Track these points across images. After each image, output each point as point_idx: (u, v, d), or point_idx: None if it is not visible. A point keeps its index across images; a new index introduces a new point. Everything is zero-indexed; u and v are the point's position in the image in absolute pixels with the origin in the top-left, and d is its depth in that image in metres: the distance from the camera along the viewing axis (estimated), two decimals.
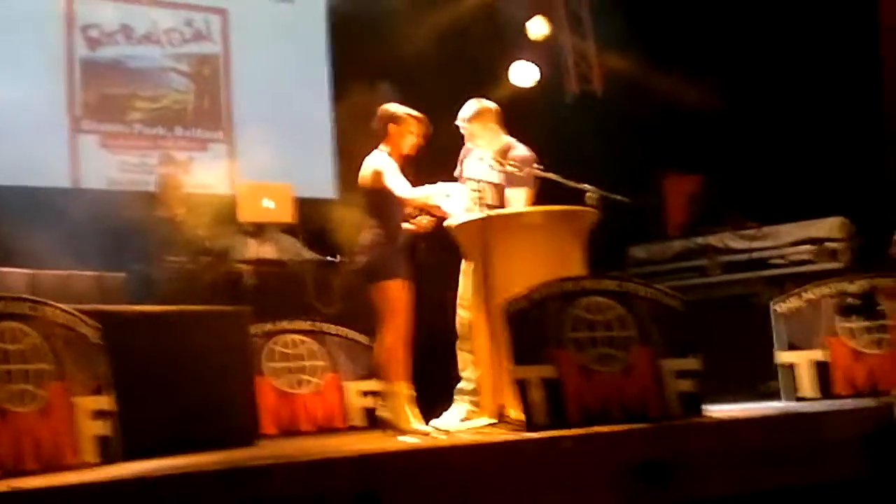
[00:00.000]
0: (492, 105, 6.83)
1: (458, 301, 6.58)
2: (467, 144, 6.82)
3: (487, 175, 6.61)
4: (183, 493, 3.95)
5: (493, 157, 6.63)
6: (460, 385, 6.58)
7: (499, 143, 6.75)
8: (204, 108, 10.20)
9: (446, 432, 5.83)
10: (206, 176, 9.87)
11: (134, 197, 9.10)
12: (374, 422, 7.06)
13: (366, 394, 7.11)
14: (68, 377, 4.74)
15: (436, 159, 6.92)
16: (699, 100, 10.74)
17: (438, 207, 6.52)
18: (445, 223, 6.57)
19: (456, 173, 6.90)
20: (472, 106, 6.81)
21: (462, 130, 6.81)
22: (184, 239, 8.45)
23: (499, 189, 6.68)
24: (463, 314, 6.53)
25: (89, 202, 8.80)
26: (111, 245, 7.79)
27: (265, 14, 10.69)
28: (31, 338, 4.65)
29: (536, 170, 6.54)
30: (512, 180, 6.68)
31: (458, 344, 6.58)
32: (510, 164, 6.59)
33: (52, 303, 4.85)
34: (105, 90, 9.79)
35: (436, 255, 6.81)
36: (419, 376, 6.40)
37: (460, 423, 6.29)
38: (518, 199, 6.66)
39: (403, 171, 6.48)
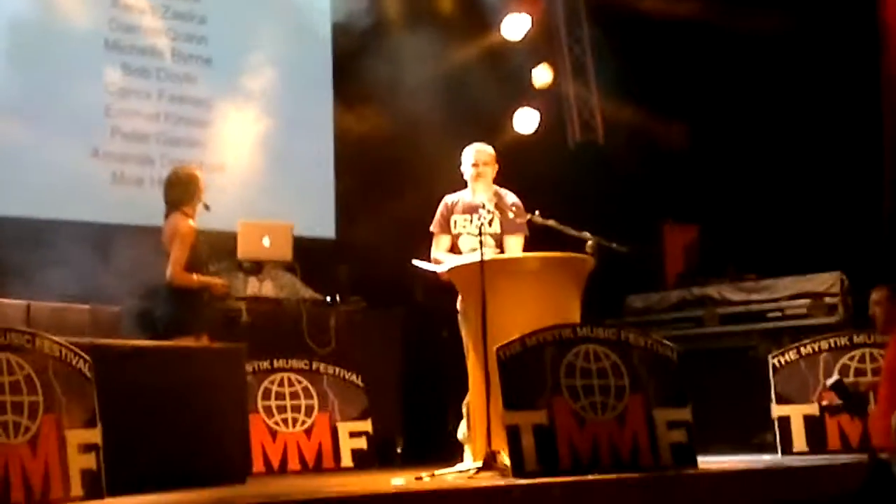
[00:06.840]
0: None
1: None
2: (473, 185, 6.73)
3: (487, 225, 6.59)
4: None
5: (492, 202, 6.64)
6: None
7: (492, 189, 6.75)
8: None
9: (431, 475, 5.76)
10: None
11: (132, 232, 9.09)
12: (363, 463, 7.04)
13: (356, 434, 7.10)
14: (59, 410, 4.72)
15: (432, 203, 6.93)
16: (699, 150, 10.78)
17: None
18: (439, 271, 6.52)
19: (433, 227, 6.87)
20: (486, 149, 6.80)
21: (473, 171, 6.72)
22: None
23: (496, 238, 6.67)
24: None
25: (87, 235, 8.79)
26: (108, 279, 7.78)
27: None
28: (25, 370, 4.64)
29: (537, 217, 6.54)
30: (511, 227, 6.69)
31: None
32: (511, 211, 6.60)
33: (48, 335, 4.84)
34: None
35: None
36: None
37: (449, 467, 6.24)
38: (516, 246, 6.68)
39: None
